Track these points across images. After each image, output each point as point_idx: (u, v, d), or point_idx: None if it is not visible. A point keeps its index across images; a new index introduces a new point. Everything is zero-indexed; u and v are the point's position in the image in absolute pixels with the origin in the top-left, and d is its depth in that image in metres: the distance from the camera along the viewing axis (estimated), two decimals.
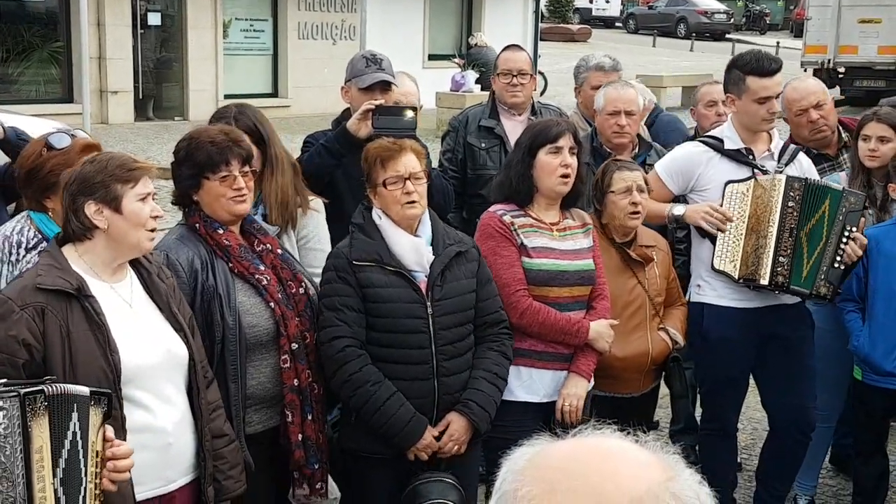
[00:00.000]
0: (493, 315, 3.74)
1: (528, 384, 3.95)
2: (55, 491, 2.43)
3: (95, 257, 2.96)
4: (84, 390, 2.56)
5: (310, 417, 3.53)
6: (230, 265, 3.43)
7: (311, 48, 19.75)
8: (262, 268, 3.49)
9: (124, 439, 2.76)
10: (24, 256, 3.23)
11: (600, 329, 3.97)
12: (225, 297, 3.36)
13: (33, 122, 10.24)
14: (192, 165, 3.42)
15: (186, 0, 18.30)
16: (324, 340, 3.54)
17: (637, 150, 4.93)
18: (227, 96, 18.99)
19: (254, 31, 19.82)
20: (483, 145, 4.98)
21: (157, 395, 2.98)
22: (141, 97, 17.53)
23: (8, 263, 3.21)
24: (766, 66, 4.34)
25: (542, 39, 26.35)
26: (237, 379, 3.38)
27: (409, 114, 4.21)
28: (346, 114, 4.45)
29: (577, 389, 3.93)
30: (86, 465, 2.54)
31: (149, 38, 18.27)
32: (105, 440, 2.62)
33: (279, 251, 3.59)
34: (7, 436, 2.33)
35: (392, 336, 3.56)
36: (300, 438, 3.50)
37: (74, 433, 2.51)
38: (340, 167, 4.34)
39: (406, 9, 21.30)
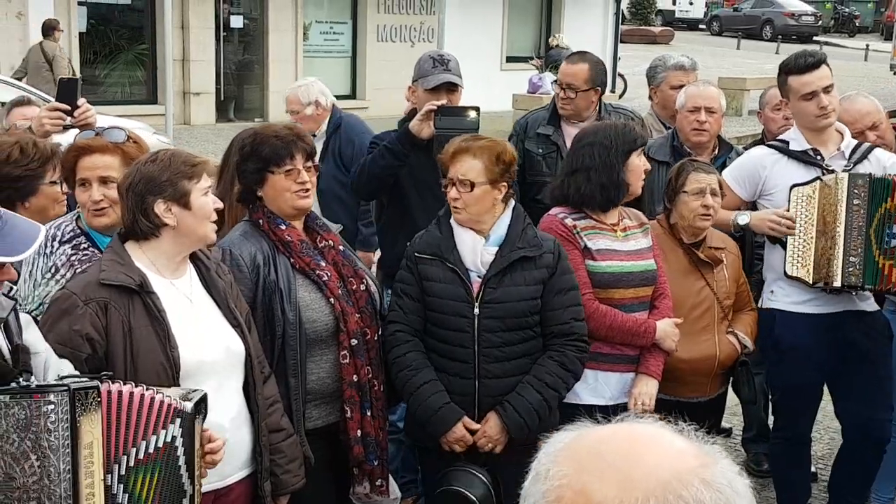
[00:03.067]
0: (561, 326, 3.65)
1: (593, 387, 3.91)
2: (108, 488, 2.44)
3: (160, 253, 2.99)
4: (189, 405, 2.61)
5: (369, 413, 3.54)
6: (292, 261, 3.45)
7: (389, 50, 19.88)
8: (323, 264, 3.51)
9: None
10: (57, 249, 3.26)
11: (666, 328, 3.92)
12: (286, 292, 3.39)
13: (121, 123, 10.52)
14: (258, 160, 3.45)
15: (268, 3, 18.59)
16: (384, 324, 3.66)
17: (717, 150, 4.86)
18: None
19: (333, 33, 20.04)
20: (540, 151, 4.93)
21: (214, 390, 2.99)
22: (222, 99, 17.86)
23: (42, 255, 3.26)
24: (802, 62, 4.29)
25: (622, 41, 26.12)
26: (297, 374, 3.40)
27: (472, 114, 4.19)
28: (413, 114, 4.45)
29: (647, 388, 3.89)
30: (192, 475, 2.62)
31: (231, 40, 18.61)
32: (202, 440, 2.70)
33: (341, 248, 3.62)
34: (55, 430, 2.35)
35: (440, 331, 3.63)
36: (359, 434, 3.52)
37: (174, 446, 2.56)
38: (405, 167, 4.34)
39: (485, 11, 21.31)
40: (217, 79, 17.87)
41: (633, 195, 3.98)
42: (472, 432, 3.61)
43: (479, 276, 3.60)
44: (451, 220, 3.66)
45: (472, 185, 3.56)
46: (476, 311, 3.57)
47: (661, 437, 1.15)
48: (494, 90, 17.91)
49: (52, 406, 2.34)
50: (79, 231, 3.29)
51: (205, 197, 2.98)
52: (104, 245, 3.25)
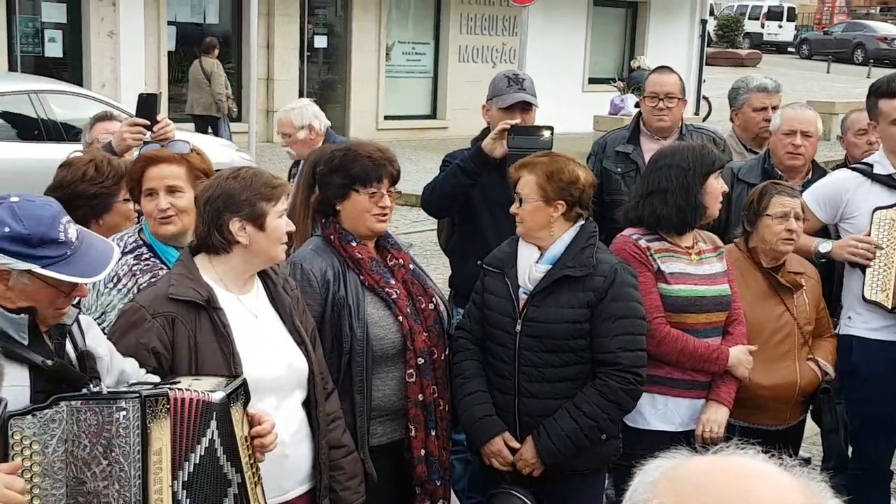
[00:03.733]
0: (606, 354, 3.50)
1: (663, 412, 3.83)
2: (174, 493, 2.47)
3: (229, 269, 3.02)
4: (220, 396, 2.61)
5: (433, 433, 3.51)
6: (361, 278, 3.45)
7: (470, 71, 19.96)
8: (392, 282, 3.50)
9: None
10: (119, 259, 3.30)
11: (739, 355, 3.82)
12: (354, 308, 3.39)
13: (205, 141, 10.75)
14: (345, 175, 3.46)
15: (352, 24, 18.84)
16: (455, 330, 3.72)
17: (811, 175, 4.73)
18: (386, 117, 19.45)
19: (415, 53, 20.21)
20: (619, 170, 4.87)
21: (275, 406, 3.01)
22: None
23: None
24: (895, 85, 4.21)
25: (708, 64, 25.81)
26: (363, 391, 3.39)
27: (546, 133, 4.15)
28: (486, 133, 4.43)
29: (717, 416, 3.79)
30: (236, 463, 2.61)
31: (315, 60, 18.89)
32: (251, 425, 2.70)
33: (411, 266, 3.62)
34: (126, 436, 2.39)
35: (490, 344, 3.63)
36: (423, 454, 3.49)
37: (212, 441, 2.56)
38: (476, 186, 4.32)
39: (568, 32, 21.28)
40: (300, 98, 18.10)
41: (710, 218, 3.90)
42: (514, 451, 3.57)
43: (525, 293, 3.57)
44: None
45: (526, 201, 3.55)
46: (518, 327, 3.53)
47: (767, 472, 1.09)
48: (576, 111, 17.83)
49: (123, 413, 2.39)
50: (141, 242, 3.34)
51: (279, 220, 3.00)
52: (165, 255, 3.30)
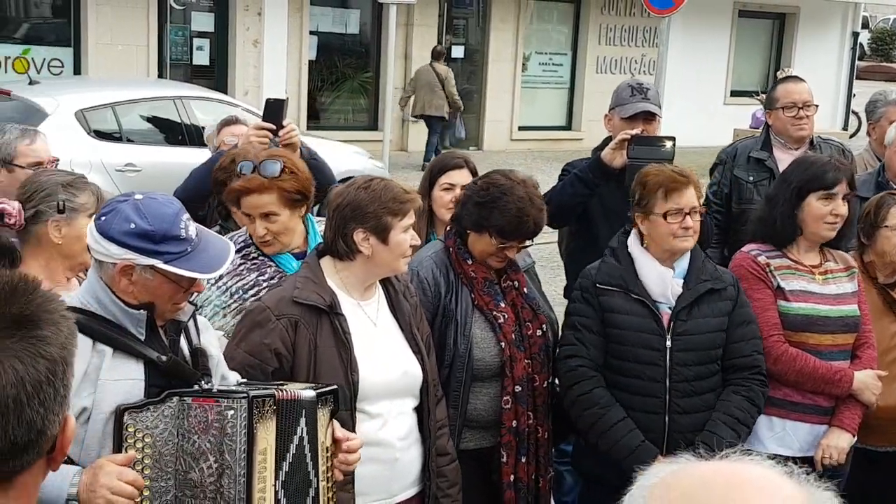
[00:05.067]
0: (745, 359, 3.54)
1: (780, 436, 3.71)
2: (276, 493, 2.52)
3: (351, 275, 3.07)
4: (311, 394, 2.65)
5: (524, 460, 3.48)
6: (472, 296, 3.46)
7: (607, 82, 19.69)
8: (502, 305, 3.49)
9: None
10: None
11: (866, 380, 3.67)
12: (461, 324, 3.40)
13: (339, 148, 10.97)
14: (490, 222, 3.43)
15: (489, 35, 18.90)
16: (560, 357, 3.55)
17: None
18: (521, 128, 19.42)
19: (552, 64, 20.12)
20: (751, 178, 4.73)
21: (388, 411, 3.06)
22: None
23: None
24: None
25: (859, 78, 24.87)
26: (458, 405, 3.40)
27: (668, 144, 4.08)
28: (608, 142, 4.38)
29: (839, 442, 3.66)
30: (316, 466, 2.63)
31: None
32: (335, 440, 2.70)
33: (525, 290, 3.59)
34: (234, 434, 2.45)
35: (627, 364, 3.50)
36: (511, 479, 3.47)
37: (301, 437, 2.60)
38: (594, 196, 4.27)
39: (710, 44, 20.82)
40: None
41: (814, 241, 3.75)
42: None
43: (668, 308, 3.49)
44: (630, 251, 3.56)
45: (697, 214, 3.50)
46: (668, 343, 3.45)
47: (765, 480, 1.04)
48: (715, 124, 17.45)
49: (232, 411, 2.45)
50: (250, 241, 3.41)
51: (404, 234, 3.03)
52: (277, 258, 3.37)
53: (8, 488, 1.29)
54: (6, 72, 14.26)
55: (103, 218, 2.45)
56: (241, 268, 3.34)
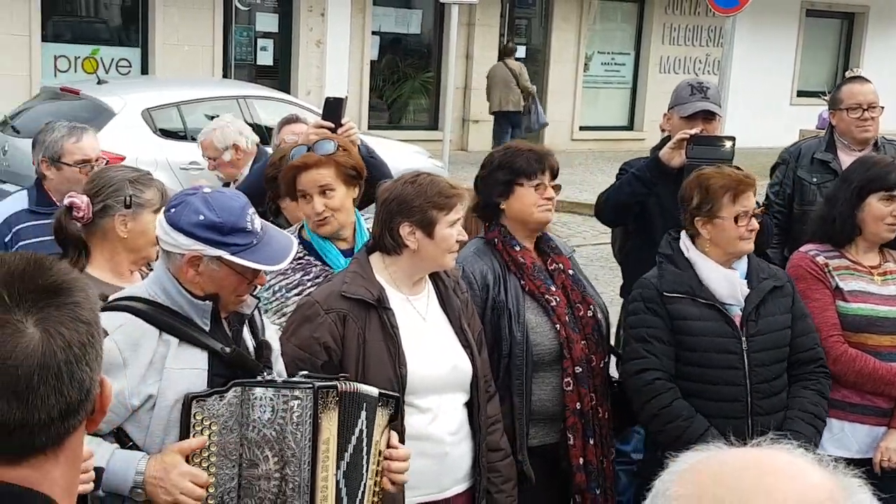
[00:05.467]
0: (809, 352, 3.53)
1: (839, 438, 3.67)
2: (337, 482, 2.57)
3: (398, 269, 3.11)
4: (373, 391, 2.71)
5: (591, 441, 3.48)
6: (522, 282, 3.47)
7: (671, 82, 19.29)
8: (553, 288, 3.51)
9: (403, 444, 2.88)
10: None
11: None
12: (514, 312, 3.40)
13: (398, 147, 11.04)
14: (510, 171, 3.49)
15: (552, 34, 18.87)
16: (630, 372, 3.49)
17: None
18: (582, 128, 19.36)
19: (615, 64, 20.03)
20: (815, 180, 4.68)
21: (438, 405, 3.08)
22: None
23: None
24: None
25: None
26: (522, 394, 3.40)
27: (728, 144, 4.05)
28: (666, 142, 4.36)
29: None
30: (367, 463, 2.68)
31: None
32: (388, 445, 2.75)
33: (571, 272, 3.60)
34: (299, 423, 2.50)
35: (703, 371, 3.44)
36: (581, 462, 3.47)
37: (361, 430, 2.65)
38: (652, 196, 4.26)
39: (777, 43, 20.56)
40: None
41: (873, 241, 3.73)
42: None
43: (738, 310, 3.47)
44: (689, 255, 3.53)
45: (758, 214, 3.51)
46: (744, 345, 3.42)
47: (794, 468, 1.05)
48: (781, 124, 17.22)
49: (297, 401, 2.51)
50: (299, 239, 3.44)
51: (450, 229, 3.05)
52: (324, 251, 3.42)
53: (59, 452, 1.36)
54: (76, 71, 14.59)
55: (173, 210, 2.52)
56: (289, 266, 3.38)
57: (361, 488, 2.67)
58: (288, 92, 14.35)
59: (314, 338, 2.95)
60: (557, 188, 3.53)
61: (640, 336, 3.48)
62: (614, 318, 4.05)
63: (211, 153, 5.21)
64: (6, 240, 3.97)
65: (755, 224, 3.45)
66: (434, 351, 3.08)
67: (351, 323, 2.97)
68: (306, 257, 3.42)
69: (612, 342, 3.97)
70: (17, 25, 13.74)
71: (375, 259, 3.13)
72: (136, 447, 2.49)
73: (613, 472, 3.61)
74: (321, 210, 3.35)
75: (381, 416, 2.73)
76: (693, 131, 4.13)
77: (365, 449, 2.67)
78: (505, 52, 16.90)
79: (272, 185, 3.75)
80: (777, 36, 20.55)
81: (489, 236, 3.56)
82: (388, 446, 2.76)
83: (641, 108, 19.86)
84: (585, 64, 19.39)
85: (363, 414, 2.65)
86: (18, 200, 4.25)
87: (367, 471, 2.68)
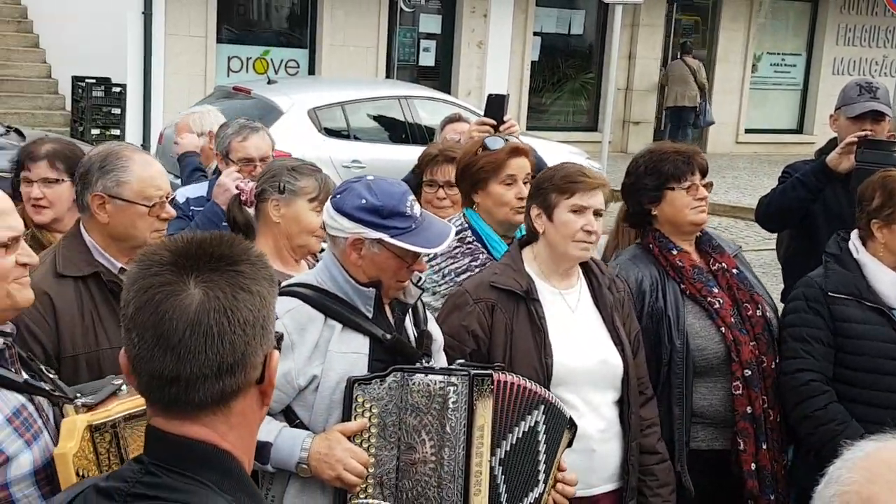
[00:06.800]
0: None
1: None
2: (492, 468, 2.63)
3: (542, 260, 3.14)
4: (567, 411, 2.79)
5: (764, 446, 3.38)
6: (682, 286, 3.41)
7: (844, 84, 18.86)
8: (715, 290, 3.43)
9: None
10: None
11: None
12: (674, 319, 3.35)
13: (556, 148, 11.04)
14: (658, 176, 3.44)
15: (719, 34, 18.48)
16: (787, 371, 3.41)
17: None
18: (748, 130, 18.85)
19: (785, 65, 19.46)
20: None
21: (585, 400, 3.08)
22: (662, 128, 17.99)
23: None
24: None
25: None
26: (682, 403, 3.34)
27: None
28: (832, 144, 4.23)
29: None
30: (548, 472, 2.73)
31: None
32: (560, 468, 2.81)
33: (735, 270, 3.51)
34: (455, 409, 2.58)
35: (865, 376, 3.35)
36: (753, 468, 3.37)
37: (535, 431, 2.69)
38: (817, 201, 4.13)
39: None
40: (658, 108, 18.07)
41: None
42: None
43: None
44: (858, 258, 3.43)
45: None
46: None
47: None
48: None
49: (454, 388, 2.58)
50: (467, 225, 3.51)
51: (572, 215, 3.03)
52: (490, 241, 3.47)
53: (228, 414, 1.47)
54: (247, 72, 15.21)
55: (338, 195, 2.66)
56: (457, 251, 3.44)
57: (535, 494, 2.71)
58: (448, 92, 14.55)
59: (463, 325, 3.02)
60: (710, 186, 3.47)
61: (800, 335, 3.41)
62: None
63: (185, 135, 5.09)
64: (189, 213, 4.22)
65: None
66: (582, 343, 3.09)
67: (499, 313, 3.02)
68: (474, 243, 3.47)
69: None
70: (195, 27, 14.43)
71: (526, 252, 3.17)
72: (302, 426, 2.62)
73: (786, 478, 3.48)
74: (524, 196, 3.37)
75: (566, 439, 2.79)
76: (861, 134, 4.00)
77: (544, 458, 2.71)
78: (683, 50, 17.44)
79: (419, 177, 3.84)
80: None
81: (645, 242, 3.52)
82: (559, 468, 2.80)
83: (812, 111, 19.22)
84: (753, 65, 18.89)
85: (537, 414, 2.69)
86: (199, 188, 4.53)
87: (546, 480, 2.72)
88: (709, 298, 3.40)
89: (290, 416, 2.64)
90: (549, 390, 2.87)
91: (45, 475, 1.96)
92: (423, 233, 2.62)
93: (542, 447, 2.71)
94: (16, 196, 3.71)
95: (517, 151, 3.46)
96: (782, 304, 4.45)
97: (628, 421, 3.14)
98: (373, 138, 10.88)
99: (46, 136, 4.31)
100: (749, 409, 3.36)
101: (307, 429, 2.61)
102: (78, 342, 2.68)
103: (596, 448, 3.08)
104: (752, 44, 18.76)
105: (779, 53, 19.46)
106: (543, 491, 2.73)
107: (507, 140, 3.54)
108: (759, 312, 3.44)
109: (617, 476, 3.16)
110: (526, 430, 2.68)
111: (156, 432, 1.48)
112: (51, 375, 2.05)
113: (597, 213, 3.05)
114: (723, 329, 3.37)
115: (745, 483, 3.37)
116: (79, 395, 2.09)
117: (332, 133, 10.47)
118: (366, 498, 2.56)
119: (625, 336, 3.16)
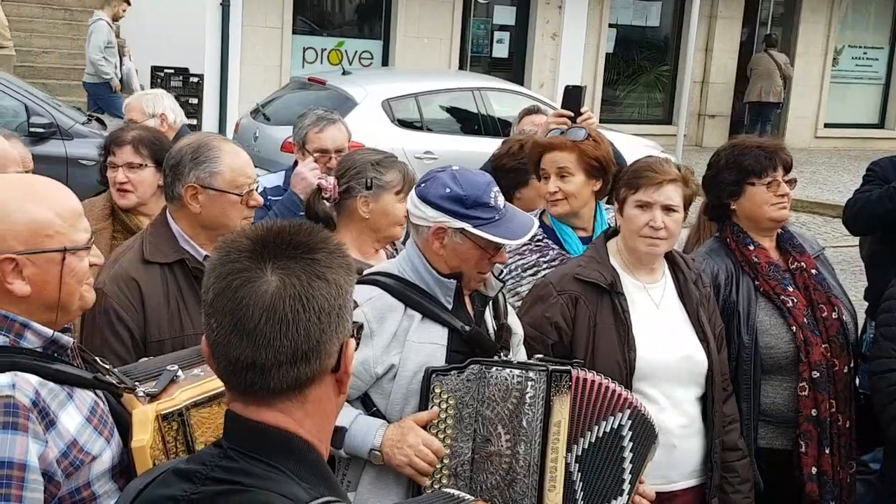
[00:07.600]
0: None
1: None
2: (566, 465, 2.59)
3: (624, 254, 3.11)
4: (654, 424, 2.75)
5: (828, 451, 3.33)
6: (756, 283, 3.36)
7: None
8: (790, 289, 3.38)
9: None
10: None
11: None
12: (745, 314, 3.31)
13: (630, 140, 10.91)
14: (738, 170, 3.40)
15: (799, 27, 18.11)
16: (876, 371, 3.34)
17: None
18: (827, 125, 18.45)
19: (867, 59, 19.00)
20: None
21: (667, 395, 3.04)
22: (737, 121, 17.70)
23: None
24: None
25: None
26: (749, 399, 3.30)
27: None
28: None
29: None
30: (633, 481, 2.69)
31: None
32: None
33: (814, 271, 3.45)
34: (532, 404, 2.55)
35: None
36: (814, 471, 3.32)
37: (619, 434, 2.65)
38: None
39: None
40: (734, 101, 17.78)
41: None
42: None
43: None
44: None
45: None
46: None
47: None
48: None
49: (531, 382, 2.55)
50: (540, 223, 3.46)
51: (638, 210, 3.02)
52: (563, 234, 3.45)
53: (304, 401, 1.48)
54: (322, 63, 15.32)
55: (423, 185, 2.66)
56: (525, 248, 3.42)
57: (623, 495, 2.67)
58: (521, 84, 14.48)
59: (545, 317, 3.00)
60: (793, 183, 3.40)
61: (892, 335, 3.33)
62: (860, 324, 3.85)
63: (136, 116, 4.91)
64: (267, 203, 4.27)
65: None
66: (665, 338, 3.05)
67: (582, 305, 3.00)
68: (545, 240, 3.46)
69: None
70: (271, 19, 14.57)
71: (611, 245, 3.14)
72: (379, 413, 2.62)
73: (852, 485, 3.43)
74: (554, 190, 3.40)
75: (653, 451, 2.76)
76: None
77: (630, 467, 2.67)
78: (768, 43, 16.82)
79: (508, 176, 3.80)
80: None
81: (723, 235, 3.48)
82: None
83: (895, 106, 18.72)
84: (834, 58, 18.47)
85: (622, 417, 2.65)
86: (276, 178, 4.57)
87: (630, 491, 2.69)
88: (782, 296, 3.35)
89: (367, 404, 2.64)
90: (631, 391, 2.82)
91: (120, 469, 1.98)
92: (506, 224, 2.61)
93: (627, 454, 2.67)
94: (103, 181, 3.81)
95: (549, 147, 3.44)
96: (866, 303, 4.35)
97: (712, 418, 3.09)
98: (445, 130, 10.88)
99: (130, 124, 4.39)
100: (814, 412, 3.31)
101: (384, 416, 2.61)
102: (164, 327, 2.73)
103: (677, 444, 3.04)
104: (832, 37, 18.35)
105: (860, 47, 19.00)
106: (627, 502, 2.69)
107: (563, 131, 3.50)
108: (834, 315, 3.38)
109: (697, 472, 3.12)
110: (607, 430, 2.64)
111: (234, 417, 1.49)
112: (106, 366, 2.06)
113: (668, 209, 3.00)
114: (794, 328, 3.32)
115: (805, 486, 3.31)
116: (137, 383, 2.10)
117: (405, 124, 10.49)
118: (440, 488, 2.54)
119: (710, 332, 3.11)
